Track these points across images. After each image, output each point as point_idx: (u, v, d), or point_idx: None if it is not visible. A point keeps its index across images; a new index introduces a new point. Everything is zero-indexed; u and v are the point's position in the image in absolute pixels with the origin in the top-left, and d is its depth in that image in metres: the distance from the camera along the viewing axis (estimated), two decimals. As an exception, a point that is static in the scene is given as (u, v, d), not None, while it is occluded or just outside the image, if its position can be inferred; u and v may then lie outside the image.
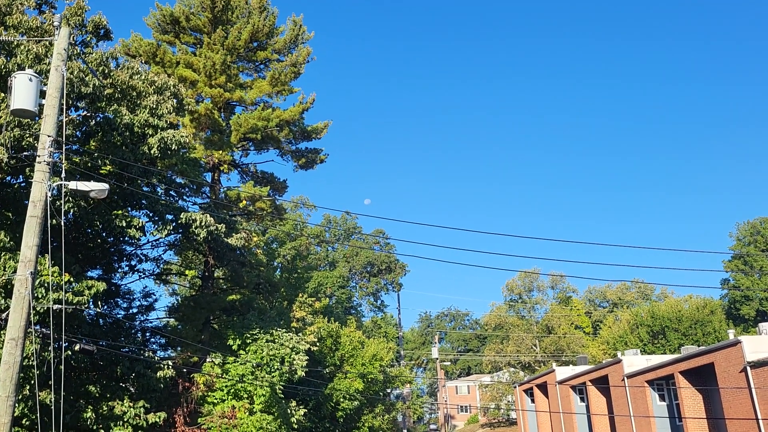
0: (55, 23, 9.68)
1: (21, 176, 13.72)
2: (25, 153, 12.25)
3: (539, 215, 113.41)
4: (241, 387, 18.74)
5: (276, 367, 19.24)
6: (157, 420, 14.68)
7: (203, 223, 16.74)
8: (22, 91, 8.79)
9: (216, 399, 18.72)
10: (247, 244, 22.53)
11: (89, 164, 13.81)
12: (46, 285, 11.68)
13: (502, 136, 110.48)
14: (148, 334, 19.45)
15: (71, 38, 10.18)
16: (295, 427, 20.38)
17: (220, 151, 22.25)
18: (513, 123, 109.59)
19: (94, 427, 13.78)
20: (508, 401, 52.32)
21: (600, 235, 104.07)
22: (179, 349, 21.29)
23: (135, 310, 19.03)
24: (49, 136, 8.75)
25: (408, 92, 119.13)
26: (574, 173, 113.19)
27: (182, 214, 16.62)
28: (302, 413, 20.91)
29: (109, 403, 14.26)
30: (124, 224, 14.71)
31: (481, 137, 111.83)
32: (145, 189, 15.83)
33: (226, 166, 22.84)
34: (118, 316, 17.14)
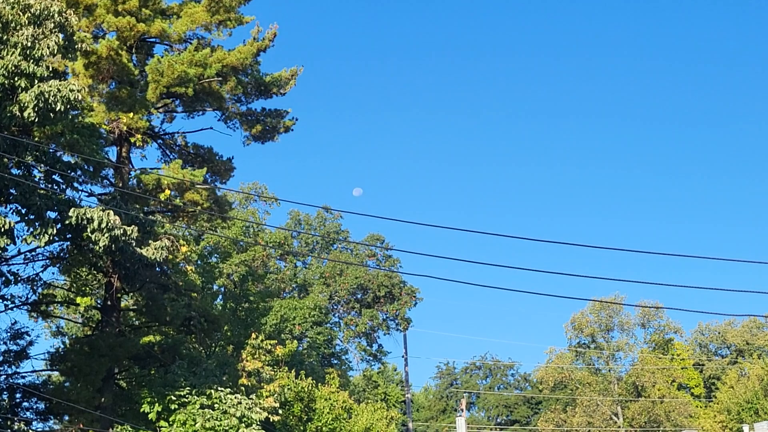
0: None
1: None
2: None
3: (620, 213, 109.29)
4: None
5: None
6: None
7: (104, 225, 16.97)
8: None
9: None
10: (171, 256, 23.01)
11: None
12: None
13: (542, 103, 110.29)
14: (18, 395, 19.58)
15: None
16: None
17: (131, 114, 22.37)
18: (563, 87, 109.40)
19: None
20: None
21: (715, 246, 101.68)
22: (66, 418, 21.37)
23: (-1, 359, 17.75)
24: None
25: (418, 28, 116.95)
26: (672, 145, 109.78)
27: (72, 210, 16.89)
28: None
29: None
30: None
31: (518, 101, 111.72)
32: (14, 172, 16.10)
33: (139, 136, 23.04)
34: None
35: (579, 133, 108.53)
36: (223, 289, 38.03)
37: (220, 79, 23.69)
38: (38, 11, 16.15)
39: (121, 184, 22.69)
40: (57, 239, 17.23)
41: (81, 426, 20.27)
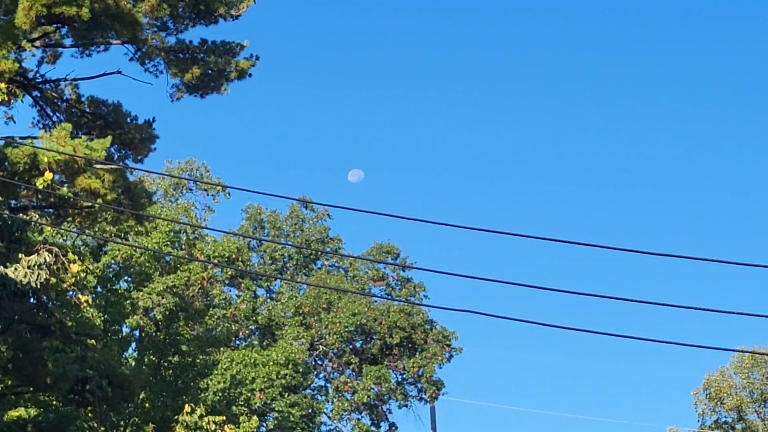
0: None
1: None
2: None
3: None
4: None
5: None
6: None
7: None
8: None
9: None
10: (54, 280, 23.49)
11: None
12: None
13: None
14: None
15: None
16: None
17: (-10, 49, 22.79)
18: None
19: None
20: None
21: None
22: None
23: None
24: None
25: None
26: None
27: None
28: None
29: None
30: None
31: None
32: None
33: (3, 85, 23.30)
34: None
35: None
36: (138, 333, 38.88)
37: (132, -7, 24.27)
38: None
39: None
40: None
41: None
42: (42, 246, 22.42)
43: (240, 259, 46.52)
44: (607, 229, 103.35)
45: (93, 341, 26.67)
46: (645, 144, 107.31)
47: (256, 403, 43.51)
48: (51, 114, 26.29)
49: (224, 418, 31.14)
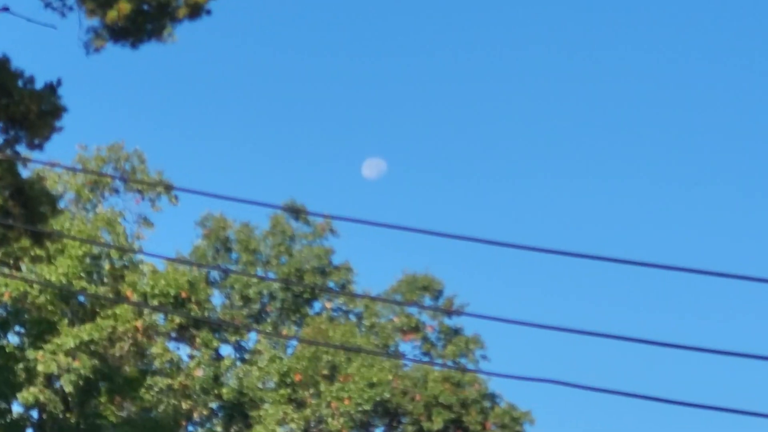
0: None
1: None
2: None
3: None
4: None
5: None
6: None
7: None
8: None
9: None
10: None
11: None
12: None
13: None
14: None
15: None
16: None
17: None
18: None
19: None
20: None
21: None
22: None
23: None
24: None
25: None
26: None
27: None
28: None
29: None
30: None
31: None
32: None
33: None
34: None
35: None
36: (37, 414, 38.64)
37: None
38: None
39: None
40: None
41: None
42: None
43: (194, 300, 44.27)
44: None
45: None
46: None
47: None
48: None
49: None
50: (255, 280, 51.61)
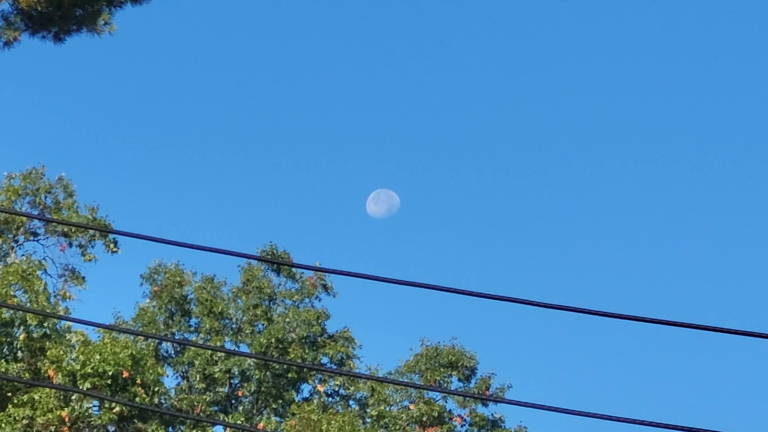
0: None
1: None
2: None
3: None
4: None
5: None
6: None
7: None
8: None
9: None
10: None
11: None
12: None
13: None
14: None
15: None
16: None
17: None
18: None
19: None
20: None
21: None
22: None
23: None
24: None
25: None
26: None
27: None
28: None
29: None
30: None
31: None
32: None
33: None
34: None
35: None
36: None
37: None
38: None
39: None
40: None
41: None
42: None
43: (140, 381, 41.94)
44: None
45: None
46: None
47: None
48: None
49: None
50: (222, 354, 48.17)
